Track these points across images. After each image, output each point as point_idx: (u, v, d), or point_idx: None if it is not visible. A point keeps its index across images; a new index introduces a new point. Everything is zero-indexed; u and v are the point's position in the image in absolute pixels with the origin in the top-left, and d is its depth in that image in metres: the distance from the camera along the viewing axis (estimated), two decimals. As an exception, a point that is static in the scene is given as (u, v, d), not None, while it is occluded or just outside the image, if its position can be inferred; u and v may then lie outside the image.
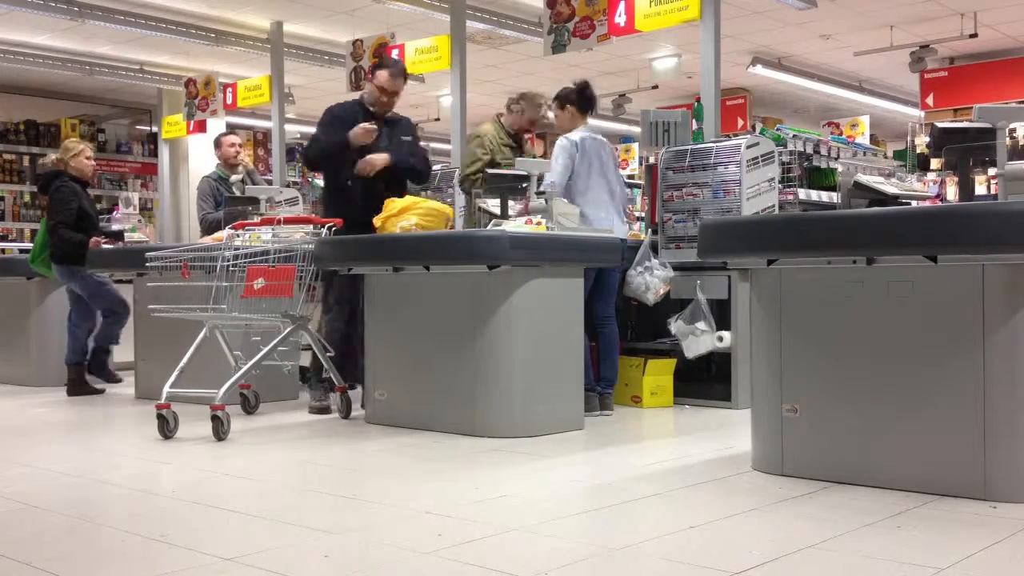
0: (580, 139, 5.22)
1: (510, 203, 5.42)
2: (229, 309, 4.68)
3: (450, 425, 4.47)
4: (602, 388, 5.13)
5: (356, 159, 5.31)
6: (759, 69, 10.86)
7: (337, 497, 3.30)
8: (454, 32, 8.40)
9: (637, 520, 3.00)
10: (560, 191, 5.12)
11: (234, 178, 6.53)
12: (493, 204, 5.63)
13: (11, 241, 11.32)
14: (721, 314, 5.25)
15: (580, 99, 5.33)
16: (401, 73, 5.46)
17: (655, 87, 11.71)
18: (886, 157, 7.45)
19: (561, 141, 5.26)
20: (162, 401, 4.52)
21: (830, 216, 3.59)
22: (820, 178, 5.81)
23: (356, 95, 5.88)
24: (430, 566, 2.46)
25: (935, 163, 7.62)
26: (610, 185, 5.31)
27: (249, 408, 5.27)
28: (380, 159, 5.29)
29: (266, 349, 4.70)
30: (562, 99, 5.37)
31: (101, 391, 6.32)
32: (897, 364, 3.20)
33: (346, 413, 5.07)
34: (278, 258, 4.81)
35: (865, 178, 5.11)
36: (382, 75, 5.38)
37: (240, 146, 6.83)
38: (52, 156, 6.52)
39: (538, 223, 4.66)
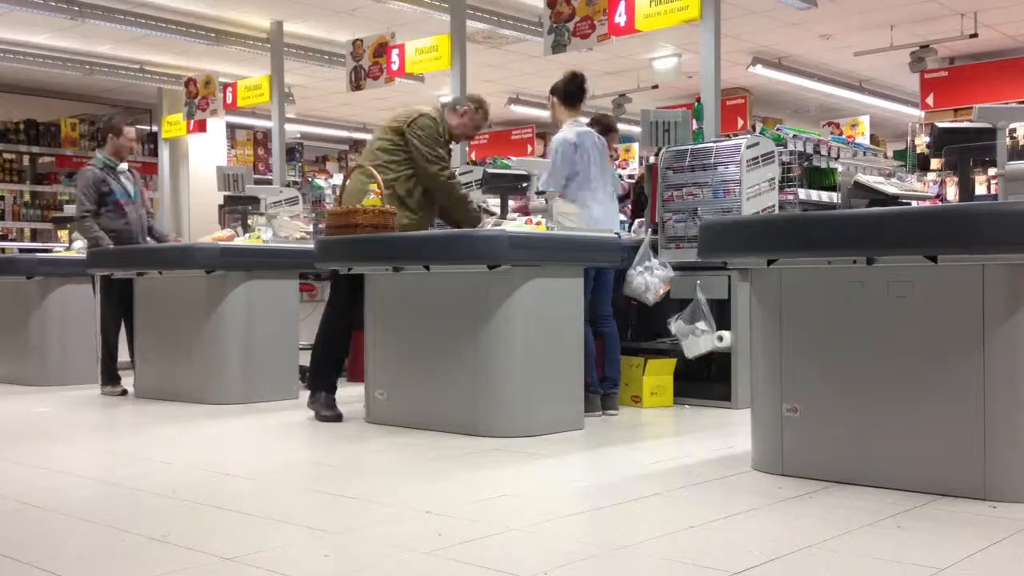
0: (577, 135, 5.16)
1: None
2: None
3: (450, 425, 4.47)
4: (607, 388, 5.12)
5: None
6: (759, 69, 10.86)
7: (337, 497, 3.30)
8: (454, 32, 8.40)
9: (637, 520, 3.00)
10: (557, 194, 5.09)
11: (122, 166, 6.32)
12: (493, 203, 5.63)
13: (11, 240, 11.31)
14: (721, 314, 5.25)
15: (564, 90, 5.26)
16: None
17: (655, 87, 11.72)
18: (886, 157, 7.45)
19: (558, 141, 5.17)
20: None
21: (830, 216, 3.59)
22: (820, 178, 5.81)
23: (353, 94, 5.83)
24: (430, 566, 2.46)
25: (935, 163, 7.62)
26: (608, 183, 5.29)
27: None
28: None
29: None
30: (552, 89, 5.33)
31: None
32: (897, 364, 3.20)
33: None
34: None
35: (865, 178, 5.11)
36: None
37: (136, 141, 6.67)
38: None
39: (538, 223, 4.66)
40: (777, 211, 5.31)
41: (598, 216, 5.15)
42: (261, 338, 5.70)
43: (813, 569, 2.42)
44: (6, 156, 11.77)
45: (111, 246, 6.12)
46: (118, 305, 6.26)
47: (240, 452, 4.32)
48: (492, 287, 4.40)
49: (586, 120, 5.57)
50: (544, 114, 13.46)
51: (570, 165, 5.11)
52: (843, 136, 9.24)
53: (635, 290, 5.27)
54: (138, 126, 13.11)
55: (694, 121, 6.15)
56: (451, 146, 5.25)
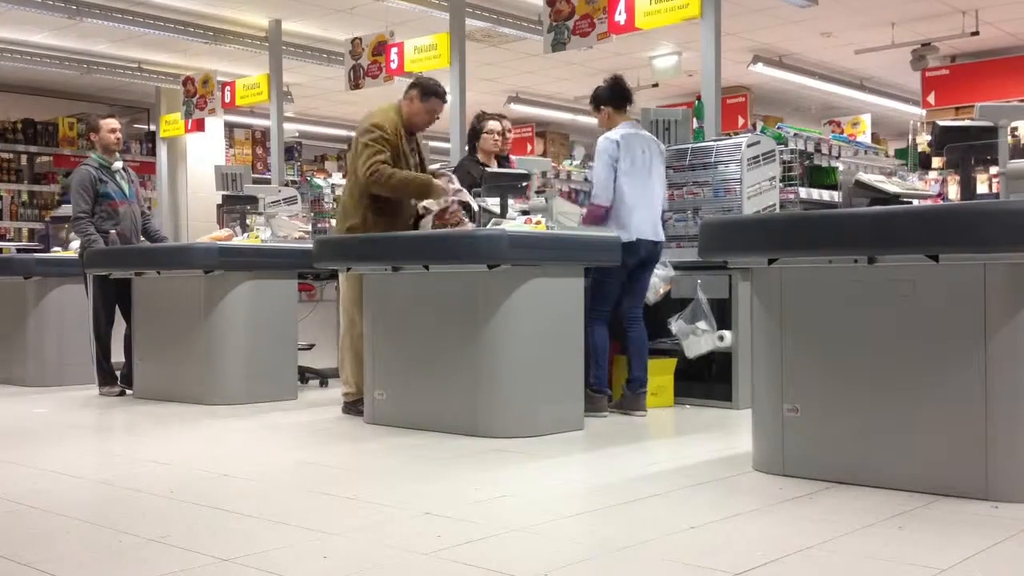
0: (622, 136, 5.04)
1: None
2: None
3: (450, 425, 4.45)
4: (635, 389, 5.08)
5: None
6: (760, 67, 10.84)
7: (336, 498, 3.29)
8: (453, 30, 8.38)
9: (638, 521, 2.99)
10: (608, 201, 4.98)
11: (116, 165, 6.26)
12: (492, 203, 5.61)
13: (9, 240, 11.29)
14: (722, 313, 5.24)
15: (613, 96, 5.14)
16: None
17: (655, 85, 11.69)
18: (887, 156, 7.44)
19: (601, 142, 5.08)
20: None
21: (831, 215, 3.58)
22: (821, 177, 5.80)
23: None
24: (430, 566, 2.45)
25: (937, 162, 7.60)
26: (652, 185, 5.12)
27: None
28: None
29: None
30: (595, 101, 5.20)
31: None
32: (898, 363, 3.18)
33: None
34: None
35: (866, 177, 5.08)
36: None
37: (120, 131, 6.40)
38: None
39: (538, 223, 4.64)
40: (778, 210, 5.29)
41: (625, 217, 5.02)
42: (260, 338, 5.68)
43: (814, 570, 2.40)
44: (3, 156, 11.75)
45: (103, 247, 6.10)
46: (112, 305, 6.24)
47: (238, 453, 4.30)
48: (492, 287, 4.38)
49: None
50: (544, 113, 13.48)
51: (612, 166, 5.00)
52: (844, 135, 9.23)
53: (636, 290, 5.26)
54: (136, 125, 13.11)
55: (694, 120, 6.14)
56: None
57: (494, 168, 5.57)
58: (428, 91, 5.15)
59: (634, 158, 5.06)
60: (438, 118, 5.33)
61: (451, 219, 4.98)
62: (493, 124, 5.88)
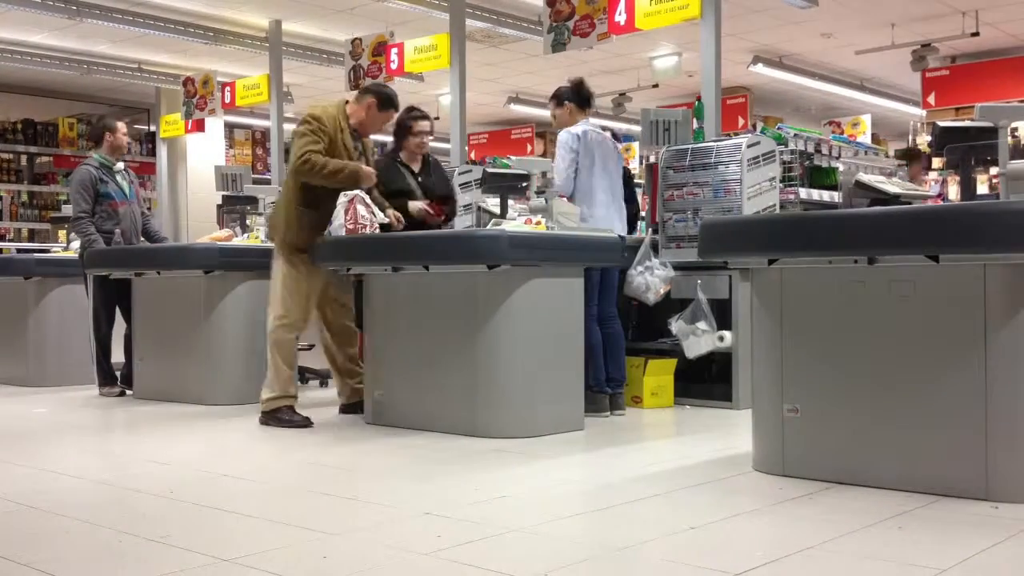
0: (583, 131, 5.19)
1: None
2: None
3: (450, 425, 4.45)
4: (612, 388, 5.10)
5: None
6: (760, 68, 10.84)
7: (336, 497, 3.28)
8: (453, 31, 8.38)
9: (637, 520, 2.99)
10: (568, 191, 5.07)
11: (118, 165, 6.27)
12: (493, 203, 5.61)
13: (9, 241, 11.29)
14: (722, 314, 5.23)
15: (577, 96, 5.32)
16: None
17: (655, 86, 11.69)
18: (888, 156, 7.44)
19: (562, 135, 5.24)
20: None
21: (831, 215, 3.58)
22: (821, 177, 5.79)
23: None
24: (430, 567, 2.45)
25: (937, 162, 7.61)
26: (612, 182, 5.29)
27: None
28: None
29: None
30: (559, 97, 5.38)
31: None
32: (899, 364, 3.18)
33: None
34: None
35: (866, 177, 5.08)
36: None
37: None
38: None
39: (538, 223, 4.65)
40: (778, 210, 5.29)
41: (599, 215, 5.15)
42: (260, 338, 5.66)
43: (814, 570, 2.40)
44: (3, 156, 11.75)
45: (104, 247, 6.10)
46: (112, 305, 6.24)
47: (238, 453, 4.30)
48: (492, 287, 4.38)
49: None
50: (544, 113, 13.44)
51: (573, 158, 5.12)
52: (844, 135, 9.23)
53: (636, 290, 5.26)
54: (136, 125, 13.11)
55: (694, 120, 6.13)
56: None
57: (416, 169, 5.36)
58: (388, 103, 5.02)
59: (596, 154, 5.20)
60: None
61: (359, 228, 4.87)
62: (424, 124, 5.38)
